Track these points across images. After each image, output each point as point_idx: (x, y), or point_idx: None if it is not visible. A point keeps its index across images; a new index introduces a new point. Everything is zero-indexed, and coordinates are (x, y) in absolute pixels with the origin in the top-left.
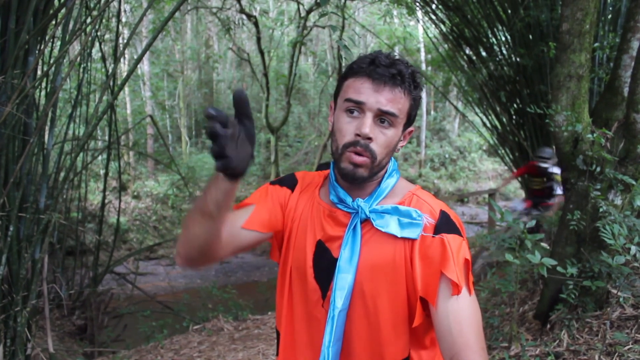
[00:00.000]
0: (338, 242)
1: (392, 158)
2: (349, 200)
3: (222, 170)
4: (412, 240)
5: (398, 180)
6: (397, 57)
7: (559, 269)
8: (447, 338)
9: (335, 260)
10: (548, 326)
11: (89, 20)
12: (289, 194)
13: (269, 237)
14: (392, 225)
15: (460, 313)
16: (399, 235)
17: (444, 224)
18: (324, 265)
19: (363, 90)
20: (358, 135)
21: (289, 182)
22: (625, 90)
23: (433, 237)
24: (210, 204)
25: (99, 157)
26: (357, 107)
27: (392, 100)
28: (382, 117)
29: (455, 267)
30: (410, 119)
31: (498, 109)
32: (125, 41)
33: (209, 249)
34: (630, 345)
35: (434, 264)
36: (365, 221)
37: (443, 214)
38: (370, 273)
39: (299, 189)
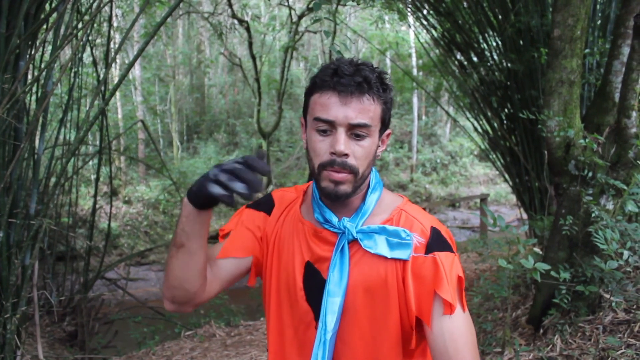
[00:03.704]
0: (327, 263)
1: (374, 169)
2: (334, 220)
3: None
4: (404, 259)
5: (382, 193)
6: (360, 61)
7: (551, 273)
8: (444, 356)
9: (326, 281)
10: (541, 331)
11: (80, 25)
12: (266, 218)
13: (250, 261)
14: (381, 246)
15: (456, 331)
16: (388, 257)
17: (436, 242)
18: (315, 287)
19: (330, 106)
20: (333, 153)
21: (266, 205)
22: (617, 96)
23: (425, 256)
24: (183, 236)
25: (90, 162)
26: (327, 125)
27: (361, 110)
28: (355, 130)
29: (449, 287)
30: (385, 123)
31: (489, 114)
32: (116, 46)
33: (193, 288)
34: (623, 350)
35: (427, 284)
36: (353, 241)
37: (434, 231)
38: (364, 295)
39: (278, 211)
